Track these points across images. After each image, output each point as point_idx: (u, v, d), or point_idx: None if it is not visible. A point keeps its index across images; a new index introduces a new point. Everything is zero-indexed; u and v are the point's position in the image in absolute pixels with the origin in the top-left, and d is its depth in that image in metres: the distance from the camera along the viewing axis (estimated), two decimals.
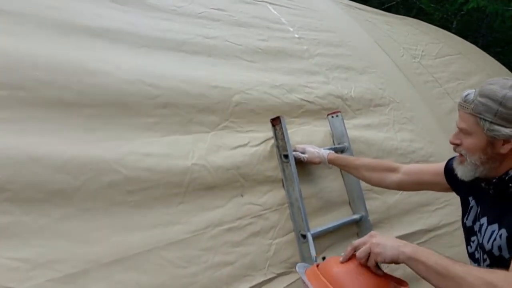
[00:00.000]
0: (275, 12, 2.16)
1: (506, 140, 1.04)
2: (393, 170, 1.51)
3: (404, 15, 4.77)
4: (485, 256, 1.13)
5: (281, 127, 1.58)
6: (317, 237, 1.55)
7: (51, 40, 1.18)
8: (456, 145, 1.14)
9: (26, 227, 0.99)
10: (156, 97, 1.32)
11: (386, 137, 2.07)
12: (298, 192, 1.51)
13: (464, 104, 1.09)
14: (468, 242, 1.26)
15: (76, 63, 1.19)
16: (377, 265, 1.00)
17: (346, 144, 1.82)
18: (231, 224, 1.35)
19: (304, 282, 1.04)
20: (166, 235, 1.21)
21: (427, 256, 0.93)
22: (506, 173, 1.08)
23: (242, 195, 1.42)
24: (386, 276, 1.01)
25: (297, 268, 1.13)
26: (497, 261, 1.08)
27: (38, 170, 1.03)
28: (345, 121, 1.97)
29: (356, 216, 1.75)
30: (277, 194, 1.53)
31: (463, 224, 1.28)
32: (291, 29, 2.11)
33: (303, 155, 1.63)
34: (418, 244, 1.92)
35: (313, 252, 1.45)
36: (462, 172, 1.14)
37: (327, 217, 1.67)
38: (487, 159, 1.08)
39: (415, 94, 2.66)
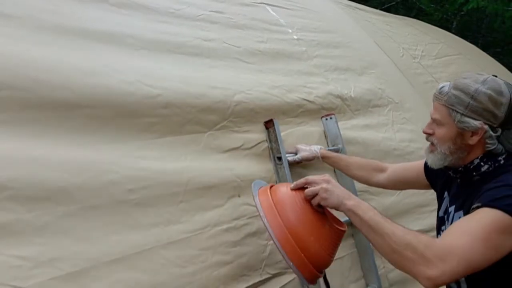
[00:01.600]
0: (274, 14, 2.17)
1: (474, 132, 1.09)
2: (381, 170, 1.57)
3: (404, 15, 4.79)
4: None
5: (274, 130, 1.60)
6: None
7: (49, 42, 1.19)
8: (429, 135, 1.19)
9: (28, 225, 0.99)
10: (157, 96, 1.34)
11: (384, 137, 2.09)
12: None
13: (438, 96, 1.14)
14: (438, 231, 1.31)
15: (75, 65, 1.20)
16: (319, 205, 1.10)
17: (340, 145, 1.84)
18: (228, 224, 1.37)
19: (253, 196, 1.14)
20: (167, 234, 1.23)
21: (364, 210, 1.02)
22: (471, 162, 1.14)
23: (239, 196, 1.44)
24: (325, 214, 1.11)
25: (252, 184, 1.21)
26: None
27: (38, 169, 1.04)
28: (343, 121, 1.99)
29: None
30: None
31: (437, 217, 1.32)
32: (290, 31, 2.12)
33: (296, 156, 1.65)
34: None
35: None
36: (432, 160, 1.19)
37: None
38: (456, 149, 1.13)
39: (414, 95, 2.67)
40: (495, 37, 6.22)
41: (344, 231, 1.16)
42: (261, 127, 1.63)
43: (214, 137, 1.47)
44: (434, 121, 1.16)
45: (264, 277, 1.41)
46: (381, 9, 5.17)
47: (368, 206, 1.04)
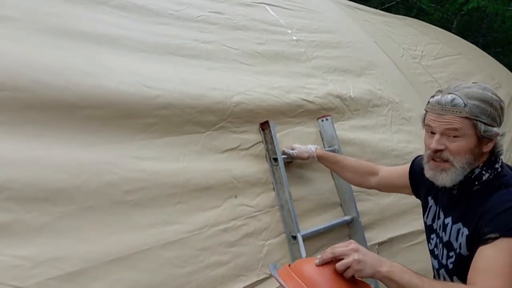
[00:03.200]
0: (274, 14, 2.17)
1: (490, 138, 1.09)
2: (374, 172, 1.56)
3: (404, 15, 4.78)
4: (452, 253, 1.18)
5: (270, 131, 1.61)
6: (308, 238, 1.58)
7: (49, 44, 1.21)
8: (440, 151, 1.12)
9: (27, 225, 1.01)
10: (156, 97, 1.35)
11: (382, 138, 2.09)
12: (288, 194, 1.55)
13: (453, 109, 1.09)
14: (428, 239, 1.32)
15: (74, 66, 1.22)
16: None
17: (336, 147, 1.85)
18: (226, 225, 1.39)
19: (279, 282, 1.06)
20: (165, 235, 1.24)
21: (400, 275, 0.99)
22: (472, 172, 1.12)
23: (236, 196, 1.45)
24: (356, 282, 1.08)
25: (270, 268, 1.15)
26: (459, 259, 1.14)
27: (37, 170, 1.06)
28: (342, 122, 1.99)
29: (347, 218, 1.78)
30: (269, 196, 1.56)
31: (424, 223, 1.33)
32: (289, 31, 2.13)
33: (292, 151, 1.66)
34: (414, 244, 1.96)
35: (303, 253, 1.48)
36: (447, 179, 1.13)
37: (318, 218, 1.70)
38: (473, 159, 1.11)
39: (414, 95, 2.67)
40: (495, 37, 6.22)
41: None
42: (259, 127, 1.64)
43: (212, 137, 1.48)
44: (448, 134, 1.10)
45: (261, 277, 1.42)
46: (381, 9, 5.17)
47: (402, 269, 1.01)
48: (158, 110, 1.35)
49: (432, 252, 1.30)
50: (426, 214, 1.32)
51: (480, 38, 6.18)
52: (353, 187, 1.79)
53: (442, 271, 1.24)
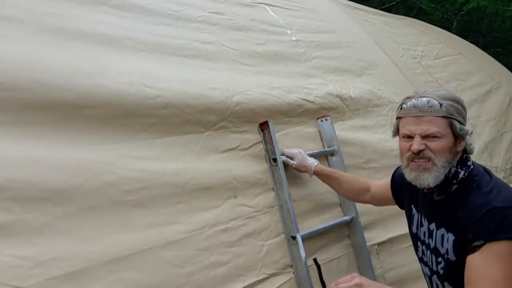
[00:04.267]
0: (273, 14, 2.17)
1: (463, 137, 1.14)
2: (367, 189, 1.59)
3: (404, 15, 4.78)
4: (440, 259, 1.19)
5: (269, 132, 1.61)
6: (308, 238, 1.59)
7: (50, 44, 1.21)
8: (421, 151, 1.13)
9: (27, 225, 1.01)
10: (156, 97, 1.35)
11: (382, 138, 2.09)
12: (287, 194, 1.55)
13: (430, 109, 1.12)
14: (415, 248, 1.33)
15: (75, 66, 1.22)
16: None
17: (335, 147, 1.85)
18: (226, 225, 1.39)
19: None
20: (165, 235, 1.24)
21: None
22: (449, 171, 1.14)
23: (235, 197, 1.46)
24: None
25: None
26: (448, 264, 1.16)
27: (37, 170, 1.06)
28: (342, 122, 1.99)
29: (346, 218, 1.78)
30: (268, 197, 1.56)
31: (410, 231, 1.35)
32: (289, 32, 2.13)
33: (292, 161, 1.64)
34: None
35: (302, 253, 1.48)
36: (430, 179, 1.13)
37: (318, 219, 1.70)
38: (452, 158, 1.14)
39: None
40: (495, 37, 6.22)
41: None
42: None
43: (212, 137, 1.48)
44: (428, 135, 1.12)
45: (260, 277, 1.42)
46: (381, 9, 5.17)
47: None
48: (158, 110, 1.35)
49: (421, 260, 1.31)
50: (411, 223, 1.34)
51: (480, 38, 6.18)
52: None
53: (434, 277, 1.24)
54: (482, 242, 1.03)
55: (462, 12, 5.80)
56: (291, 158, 1.65)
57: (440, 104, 1.12)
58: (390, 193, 1.46)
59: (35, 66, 1.14)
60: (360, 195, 1.61)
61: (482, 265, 1.02)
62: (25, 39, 1.17)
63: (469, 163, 1.17)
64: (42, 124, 1.12)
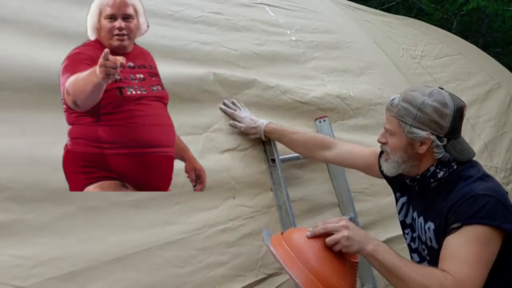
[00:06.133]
0: (273, 14, 2.17)
1: (422, 141, 1.16)
2: (327, 147, 1.57)
3: (404, 15, 4.79)
4: (423, 246, 1.26)
5: None
6: None
7: (50, 46, 1.21)
8: (383, 144, 1.26)
9: (27, 226, 1.01)
10: None
11: None
12: (285, 195, 1.56)
13: (390, 108, 1.21)
14: (403, 234, 1.38)
15: None
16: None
17: None
18: (225, 225, 1.39)
19: (270, 250, 1.14)
20: (164, 235, 1.25)
21: (383, 255, 1.09)
22: (428, 169, 1.21)
23: (234, 197, 1.46)
24: (343, 255, 1.15)
25: (263, 235, 1.22)
26: (432, 252, 1.21)
27: (37, 170, 1.06)
28: (342, 122, 1.99)
29: (345, 218, 1.77)
30: (267, 197, 1.57)
31: (398, 219, 1.40)
32: (288, 32, 2.13)
33: (240, 124, 1.56)
34: None
35: None
36: (387, 168, 1.26)
37: (316, 219, 1.69)
38: (407, 158, 1.20)
39: None
40: (495, 37, 6.22)
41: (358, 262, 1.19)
42: None
43: (211, 138, 1.48)
44: (386, 131, 1.23)
45: (259, 277, 1.43)
46: (381, 9, 5.18)
47: (386, 249, 1.10)
48: None
49: (409, 246, 1.36)
50: (399, 210, 1.38)
51: (480, 38, 6.18)
52: (351, 188, 1.80)
53: (425, 264, 1.27)
54: (459, 224, 1.09)
55: (462, 12, 5.80)
56: (240, 122, 1.57)
57: (397, 105, 1.18)
58: (369, 166, 1.48)
59: (35, 67, 1.14)
60: (315, 153, 1.59)
61: (457, 245, 1.08)
62: (26, 40, 1.17)
63: (453, 164, 1.19)
64: (42, 124, 1.12)
